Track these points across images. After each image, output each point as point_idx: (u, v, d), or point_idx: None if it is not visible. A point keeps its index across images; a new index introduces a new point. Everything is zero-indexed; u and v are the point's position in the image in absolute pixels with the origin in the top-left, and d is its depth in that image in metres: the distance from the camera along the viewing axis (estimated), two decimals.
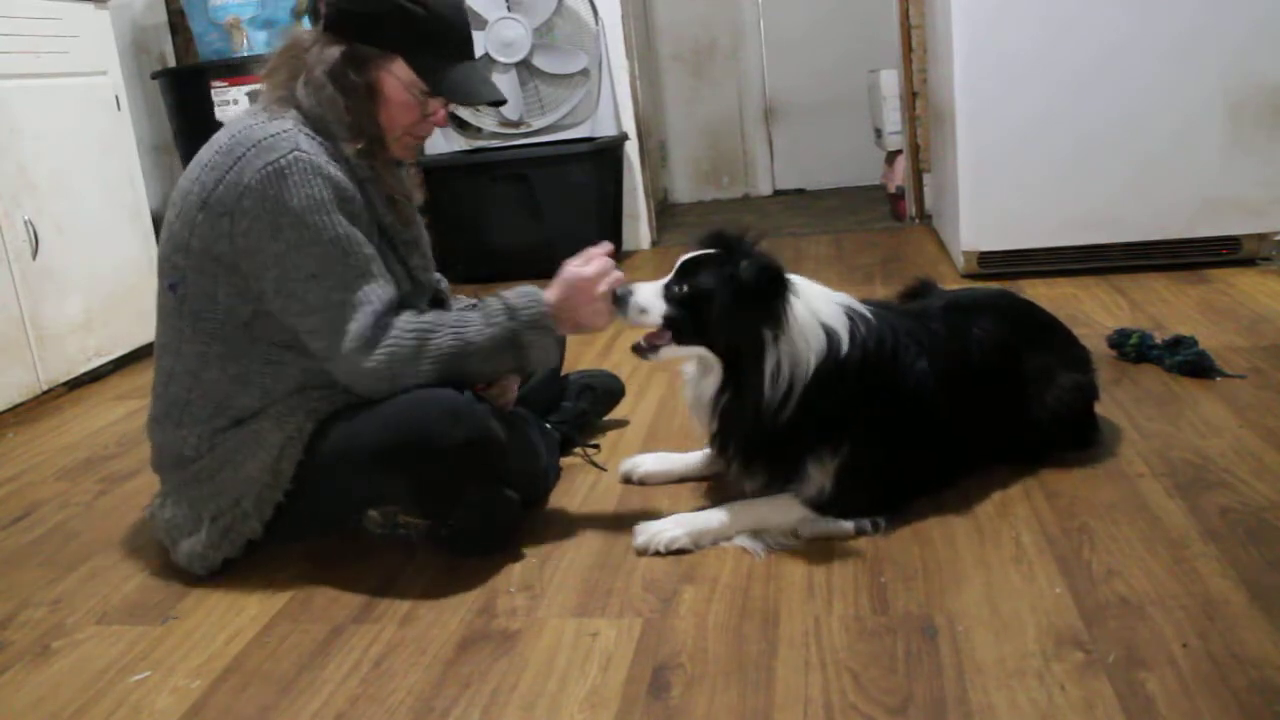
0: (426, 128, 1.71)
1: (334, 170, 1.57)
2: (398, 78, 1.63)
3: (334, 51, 1.61)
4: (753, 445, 1.64)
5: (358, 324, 1.55)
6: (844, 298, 1.68)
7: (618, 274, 1.64)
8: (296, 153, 1.54)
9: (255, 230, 1.54)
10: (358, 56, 1.61)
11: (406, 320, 1.59)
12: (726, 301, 1.56)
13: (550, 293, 1.63)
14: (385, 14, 1.60)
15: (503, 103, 1.79)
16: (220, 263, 1.58)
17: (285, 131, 1.56)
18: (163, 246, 1.66)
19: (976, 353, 1.71)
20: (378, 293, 1.58)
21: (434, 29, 1.62)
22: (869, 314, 1.66)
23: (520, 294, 1.63)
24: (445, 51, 1.65)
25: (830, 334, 1.59)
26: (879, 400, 1.62)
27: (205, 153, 1.62)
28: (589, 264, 1.63)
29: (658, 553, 1.61)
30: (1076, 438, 1.83)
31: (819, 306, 1.62)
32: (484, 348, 1.59)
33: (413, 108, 1.65)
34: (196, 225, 1.58)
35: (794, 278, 1.62)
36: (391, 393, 1.58)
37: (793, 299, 1.57)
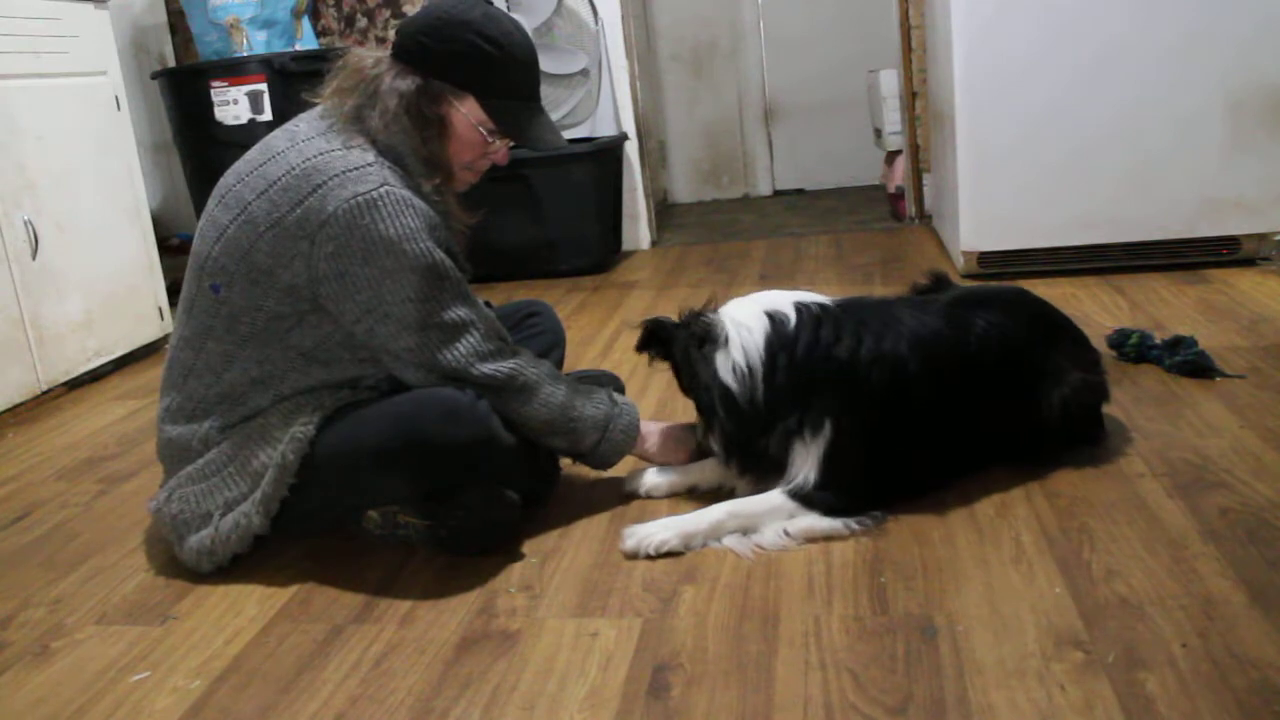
0: (485, 164, 1.75)
1: (420, 202, 1.60)
2: (465, 115, 1.66)
3: (409, 83, 1.62)
4: (743, 442, 1.69)
5: (466, 344, 1.61)
6: (803, 295, 1.75)
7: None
8: (387, 187, 1.56)
9: (343, 256, 1.55)
10: (431, 91, 1.63)
11: (531, 357, 1.69)
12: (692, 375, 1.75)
13: (644, 421, 1.82)
14: (463, 52, 1.62)
15: (563, 147, 1.83)
16: (278, 279, 1.59)
17: (370, 165, 1.57)
18: (209, 245, 1.64)
19: (976, 344, 1.70)
20: (477, 314, 1.64)
21: (507, 71, 1.65)
22: (827, 301, 1.74)
23: (624, 398, 1.81)
24: (516, 94, 1.69)
25: (773, 316, 1.69)
26: (851, 381, 1.63)
27: (272, 168, 1.60)
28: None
29: (648, 556, 1.61)
30: (1084, 436, 1.83)
31: (761, 302, 1.73)
32: (583, 417, 1.70)
33: (477, 145, 1.69)
34: (263, 240, 1.58)
35: (733, 301, 1.77)
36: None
37: (720, 311, 1.75)
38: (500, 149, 1.73)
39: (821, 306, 1.71)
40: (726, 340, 1.68)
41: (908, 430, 1.67)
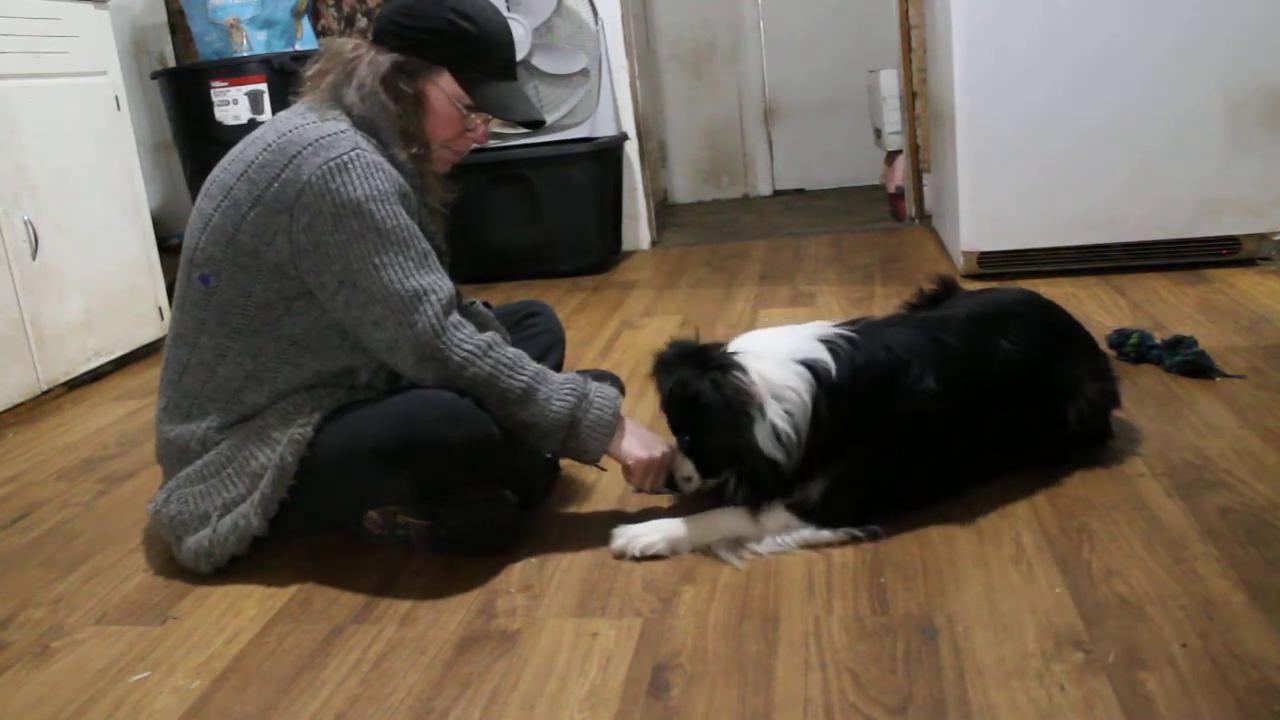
0: (465, 143, 1.76)
1: (392, 168, 1.61)
2: (443, 90, 1.68)
3: (385, 60, 1.65)
4: (774, 495, 1.62)
5: (425, 316, 1.56)
6: (821, 328, 1.65)
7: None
8: (358, 150, 1.58)
9: (317, 225, 1.56)
10: (408, 67, 1.66)
11: (489, 343, 1.60)
12: (709, 434, 1.59)
13: (626, 419, 1.69)
14: (438, 29, 1.65)
15: (541, 123, 1.81)
16: (264, 260, 1.60)
17: (343, 132, 1.60)
18: (196, 237, 1.66)
19: (999, 368, 1.67)
20: (440, 283, 1.60)
21: (481, 46, 1.67)
22: (854, 335, 1.63)
23: (601, 390, 1.67)
24: (489, 68, 1.70)
25: (814, 367, 1.57)
26: (877, 417, 1.59)
27: (250, 150, 1.63)
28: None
29: (634, 557, 1.61)
30: (1094, 439, 1.82)
31: (788, 348, 1.60)
32: (544, 415, 1.61)
33: (455, 121, 1.71)
34: (246, 221, 1.59)
35: (747, 342, 1.63)
36: (445, 386, 1.59)
37: (744, 358, 1.58)
38: (479, 126, 1.75)
39: (849, 341, 1.60)
40: (762, 411, 1.54)
41: (921, 454, 1.64)
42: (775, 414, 1.55)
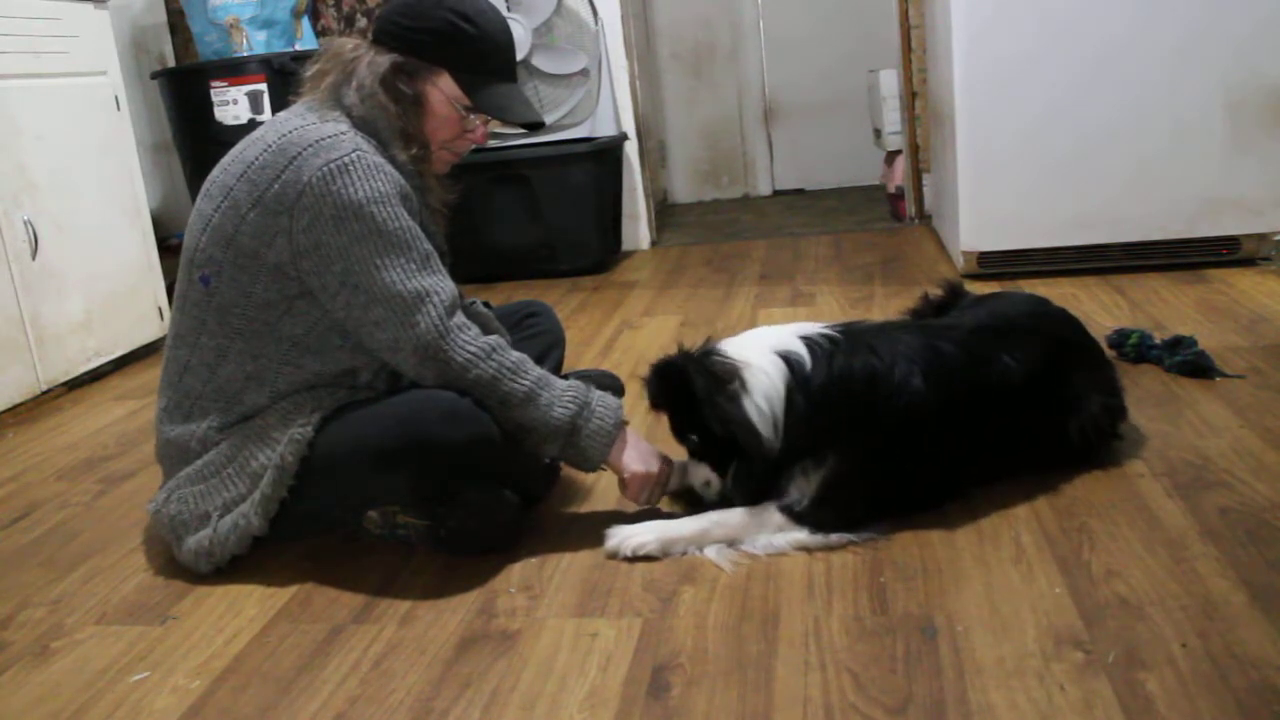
0: (464, 144, 1.76)
1: (393, 170, 1.61)
2: (442, 91, 1.68)
3: (384, 60, 1.66)
4: (765, 485, 1.63)
5: (427, 317, 1.57)
6: (805, 327, 1.67)
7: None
8: (359, 152, 1.58)
9: (318, 225, 1.56)
10: (407, 68, 1.66)
11: (493, 346, 1.60)
12: (708, 418, 1.60)
13: (629, 431, 1.69)
14: (438, 29, 1.65)
15: (541, 125, 1.81)
16: (265, 260, 1.60)
17: (344, 133, 1.60)
18: (196, 238, 1.67)
19: (998, 381, 1.66)
20: (443, 285, 1.60)
21: (481, 47, 1.68)
22: (837, 335, 1.65)
23: (604, 399, 1.67)
24: (489, 70, 1.71)
25: (788, 358, 1.61)
26: (860, 415, 1.59)
27: (250, 150, 1.63)
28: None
29: (626, 557, 1.61)
30: (1100, 447, 1.81)
31: (767, 341, 1.64)
32: (545, 420, 1.61)
33: (454, 122, 1.71)
34: (246, 222, 1.60)
35: (730, 341, 1.67)
36: (446, 387, 1.60)
37: (724, 347, 1.64)
38: (478, 127, 1.75)
39: (830, 340, 1.64)
40: (745, 384, 1.58)
41: (916, 460, 1.64)
42: (757, 392, 1.58)
